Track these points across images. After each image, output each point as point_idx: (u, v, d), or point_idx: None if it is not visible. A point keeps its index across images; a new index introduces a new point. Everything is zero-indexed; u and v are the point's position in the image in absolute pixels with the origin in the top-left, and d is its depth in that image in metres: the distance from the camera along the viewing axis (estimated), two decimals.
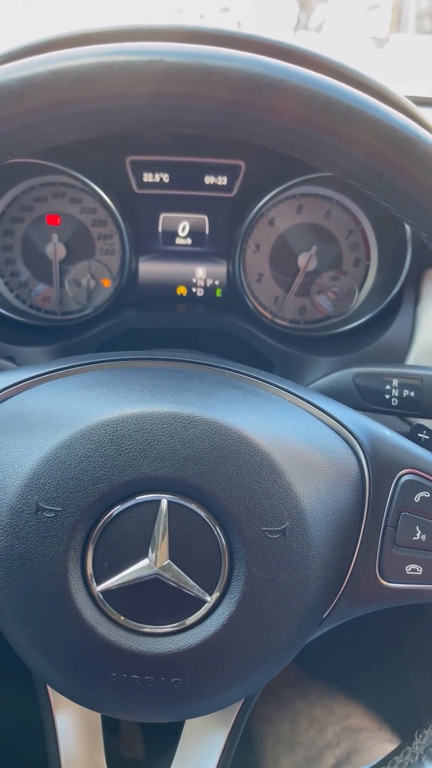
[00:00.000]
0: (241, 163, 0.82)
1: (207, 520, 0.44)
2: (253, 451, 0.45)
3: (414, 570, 0.48)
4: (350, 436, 0.49)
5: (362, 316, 0.83)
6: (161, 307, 0.86)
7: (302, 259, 0.85)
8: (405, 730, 0.84)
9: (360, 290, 0.86)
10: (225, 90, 0.39)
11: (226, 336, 0.84)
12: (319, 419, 0.49)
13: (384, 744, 0.76)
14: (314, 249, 0.84)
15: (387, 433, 0.50)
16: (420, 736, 0.52)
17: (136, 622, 0.44)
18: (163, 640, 0.45)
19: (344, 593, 0.48)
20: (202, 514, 0.44)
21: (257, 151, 0.81)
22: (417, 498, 0.48)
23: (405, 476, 0.48)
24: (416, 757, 0.51)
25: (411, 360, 0.78)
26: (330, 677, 0.95)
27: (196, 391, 0.47)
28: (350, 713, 0.86)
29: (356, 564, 0.48)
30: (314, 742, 0.83)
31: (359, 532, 0.48)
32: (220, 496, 0.44)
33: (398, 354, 0.78)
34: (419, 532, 0.48)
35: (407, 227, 0.76)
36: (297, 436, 0.47)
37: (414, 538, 0.48)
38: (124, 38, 0.62)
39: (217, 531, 0.44)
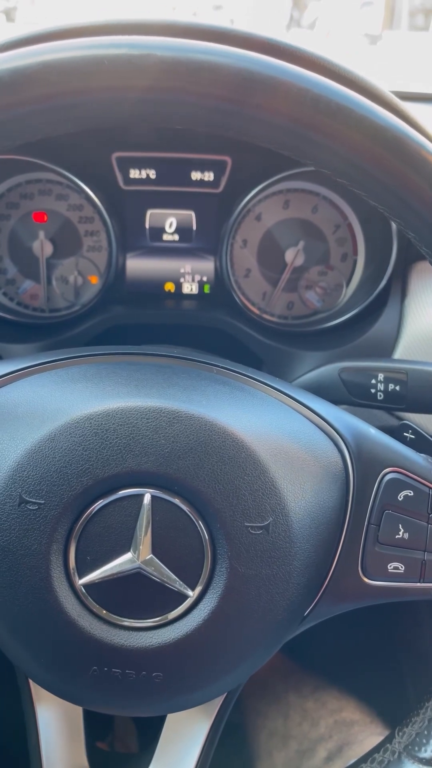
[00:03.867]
0: (228, 159, 0.82)
1: (190, 515, 0.44)
2: (238, 446, 0.45)
3: (396, 568, 0.48)
4: (335, 433, 0.49)
5: (350, 310, 0.83)
6: (149, 303, 0.86)
7: (289, 255, 0.85)
8: (396, 723, 0.84)
9: (347, 285, 0.86)
10: (213, 86, 0.39)
11: (214, 332, 0.84)
12: (304, 416, 0.49)
13: (375, 737, 0.77)
14: (301, 244, 0.84)
15: (372, 431, 0.50)
16: (400, 733, 0.52)
17: (118, 615, 0.44)
18: (144, 634, 0.45)
19: (326, 590, 0.48)
20: (186, 508, 0.44)
21: (244, 146, 0.81)
22: (400, 496, 0.48)
23: (389, 474, 0.48)
24: (396, 755, 0.51)
25: (398, 354, 0.78)
26: (323, 671, 0.95)
27: (182, 387, 0.47)
28: (342, 707, 0.86)
29: (339, 561, 0.48)
30: (307, 736, 0.84)
31: (342, 529, 0.48)
32: (204, 491, 0.44)
33: (385, 348, 0.78)
34: (402, 530, 0.48)
35: (392, 223, 0.76)
36: (282, 432, 0.47)
37: (396, 537, 0.48)
38: (117, 32, 0.62)
39: (200, 526, 0.44)
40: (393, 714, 0.85)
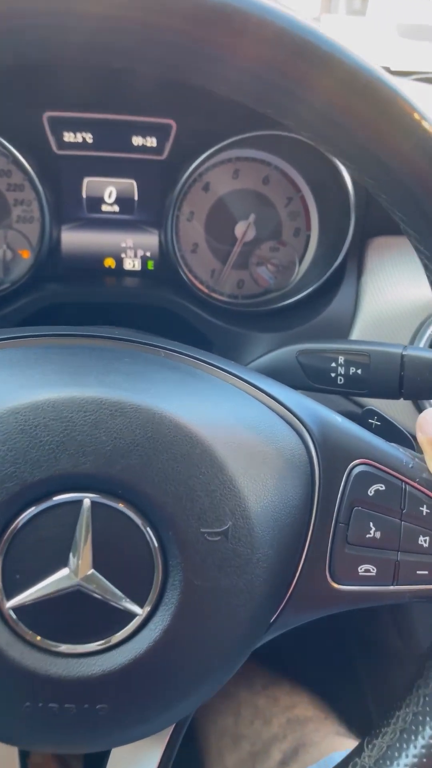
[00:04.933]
0: (172, 123, 0.75)
1: (137, 523, 0.38)
2: (191, 441, 0.39)
3: (367, 571, 0.44)
4: (299, 423, 0.43)
5: (303, 289, 0.78)
6: (87, 280, 0.79)
7: (240, 229, 0.79)
8: (352, 719, 0.81)
9: (300, 262, 0.81)
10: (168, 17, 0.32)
11: (160, 312, 0.77)
12: (264, 404, 0.44)
13: (332, 737, 0.73)
14: (252, 217, 0.79)
15: (338, 419, 0.45)
16: (369, 746, 0.48)
17: (55, 641, 0.38)
18: (86, 661, 0.39)
19: (291, 598, 0.43)
20: (132, 515, 0.38)
21: (189, 109, 0.74)
22: (371, 491, 0.44)
23: (358, 467, 0.44)
24: None
25: (355, 335, 0.73)
26: (273, 665, 0.91)
27: (125, 373, 0.41)
28: (295, 703, 0.83)
29: (304, 566, 0.43)
30: (259, 735, 0.80)
31: (308, 530, 0.43)
32: (153, 494, 0.38)
33: (342, 329, 0.74)
34: (373, 528, 0.43)
35: (351, 194, 0.72)
36: (240, 423, 0.41)
37: (367, 536, 0.43)
38: None
39: (149, 534, 0.39)
40: (348, 710, 0.82)
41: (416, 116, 0.35)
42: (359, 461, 0.44)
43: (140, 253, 0.80)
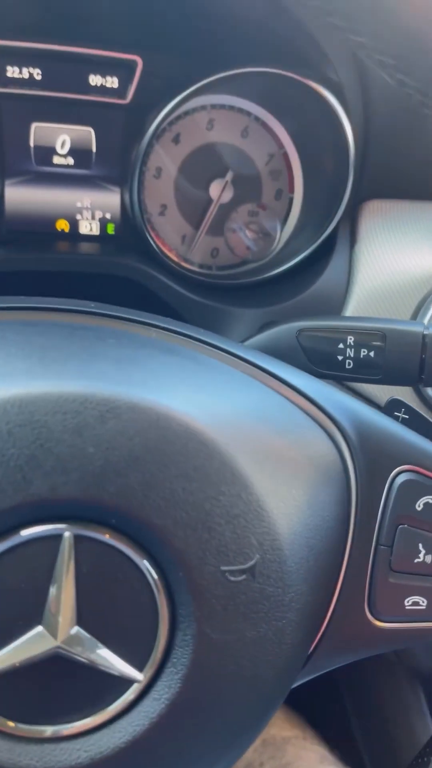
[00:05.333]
0: (137, 59, 0.64)
1: (136, 562, 0.29)
2: (206, 451, 0.29)
3: (416, 603, 0.35)
4: (330, 423, 0.34)
5: (288, 260, 0.69)
6: (36, 245, 0.67)
7: (215, 189, 0.69)
8: (334, 739, 0.74)
9: (282, 229, 0.71)
10: None
11: (122, 282, 0.67)
12: (290, 400, 0.34)
13: (316, 765, 0.66)
14: (229, 176, 0.69)
15: (376, 417, 0.36)
16: None
17: (28, 723, 0.28)
18: (68, 746, 0.29)
19: (323, 640, 0.35)
20: (129, 552, 0.29)
21: (158, 44, 0.63)
22: (419, 505, 0.35)
23: (402, 475, 0.35)
24: None
25: (349, 311, 0.65)
26: None
27: (113, 359, 0.31)
28: (271, 722, 0.75)
29: (339, 601, 0.34)
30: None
31: (343, 557, 0.34)
32: (158, 524, 0.28)
33: (334, 305, 0.65)
34: (423, 551, 0.35)
35: (351, 149, 0.62)
36: (264, 425, 0.32)
37: (416, 560, 0.35)
38: None
39: (153, 576, 0.29)
40: (329, 728, 0.75)
41: None
42: (404, 468, 0.35)
43: (99, 214, 0.68)
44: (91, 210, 0.68)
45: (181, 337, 0.36)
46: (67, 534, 0.28)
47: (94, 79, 0.65)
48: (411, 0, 0.27)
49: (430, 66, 0.28)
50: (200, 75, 0.62)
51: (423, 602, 0.35)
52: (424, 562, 0.35)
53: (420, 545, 0.35)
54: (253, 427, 0.32)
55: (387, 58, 0.29)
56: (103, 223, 0.69)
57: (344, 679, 0.82)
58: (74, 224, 0.69)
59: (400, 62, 0.29)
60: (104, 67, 0.64)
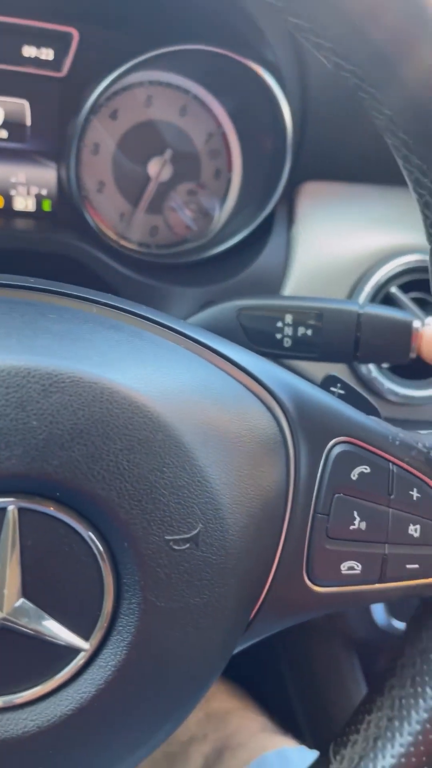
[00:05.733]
0: (73, 32, 0.63)
1: (82, 534, 0.29)
2: (152, 424, 0.30)
3: (351, 568, 0.37)
4: (269, 396, 0.35)
5: (227, 239, 0.69)
6: None
7: (153, 167, 0.68)
8: (274, 709, 0.76)
9: (221, 208, 0.72)
10: None
11: (58, 260, 0.66)
12: (231, 375, 0.35)
13: (258, 735, 0.67)
14: (168, 154, 0.68)
15: (313, 391, 0.37)
16: (338, 757, 0.42)
17: None
18: (14, 716, 0.29)
19: (263, 606, 0.35)
20: (75, 524, 0.29)
21: (95, 17, 0.62)
22: (354, 474, 0.36)
23: (338, 447, 0.36)
24: None
25: (288, 291, 0.66)
26: None
27: (56, 334, 0.31)
28: (212, 695, 0.76)
29: (279, 567, 0.35)
30: (175, 735, 0.72)
31: (282, 525, 0.35)
32: (103, 495, 0.29)
33: (272, 284, 0.66)
34: (357, 518, 0.36)
35: (289, 130, 0.63)
36: (208, 399, 0.33)
37: (351, 527, 0.36)
38: None
39: (98, 548, 0.29)
40: (269, 699, 0.77)
41: None
42: (340, 439, 0.37)
43: (34, 190, 0.67)
44: (27, 185, 0.67)
45: (124, 313, 0.36)
46: (11, 507, 0.28)
47: (28, 51, 0.63)
48: None
49: (367, 50, 0.29)
50: (138, 50, 0.62)
51: (358, 567, 0.37)
52: (359, 528, 0.37)
53: (355, 513, 0.37)
54: (196, 402, 0.32)
55: (324, 41, 0.29)
56: (39, 199, 0.67)
57: (283, 652, 0.85)
58: (8, 200, 0.67)
59: (337, 46, 0.29)
60: (39, 38, 0.63)
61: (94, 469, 0.28)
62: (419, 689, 0.41)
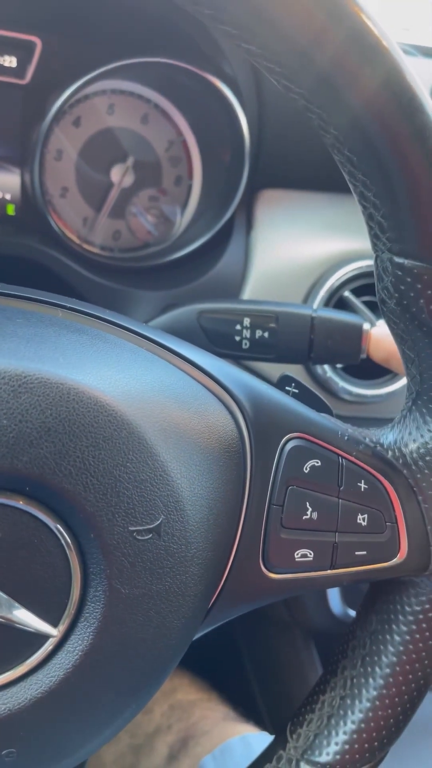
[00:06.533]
0: (36, 41, 0.64)
1: (50, 526, 0.31)
2: (116, 422, 0.31)
3: (304, 556, 0.39)
4: (227, 395, 0.37)
5: (188, 244, 0.71)
6: None
7: (116, 173, 0.70)
8: (236, 698, 0.78)
9: (182, 214, 0.74)
10: None
11: (22, 263, 0.67)
12: (190, 375, 0.37)
13: (222, 724, 0.70)
14: (130, 161, 0.70)
15: (268, 390, 0.40)
16: (294, 736, 0.44)
17: None
18: None
19: (222, 593, 0.38)
20: (43, 517, 0.31)
21: (58, 26, 0.64)
22: (306, 468, 0.39)
23: (291, 442, 0.39)
24: (293, 763, 0.43)
25: (246, 295, 0.68)
26: None
27: (23, 337, 0.32)
28: (176, 687, 0.78)
29: (237, 556, 0.37)
30: (140, 726, 0.74)
31: (240, 516, 0.37)
32: (70, 489, 0.30)
33: (232, 288, 0.68)
34: (309, 509, 0.39)
35: (246, 140, 0.65)
36: (168, 398, 0.35)
37: (304, 518, 0.39)
38: None
39: (66, 539, 0.31)
40: (231, 688, 0.79)
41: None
42: (293, 435, 0.39)
43: None
44: None
45: (88, 317, 0.38)
46: None
47: None
48: (295, 14, 0.30)
49: (313, 76, 0.31)
50: (101, 60, 0.63)
51: (310, 554, 0.39)
52: (311, 518, 0.39)
53: (307, 503, 0.39)
54: (158, 401, 0.34)
55: (274, 65, 0.32)
56: (2, 203, 0.68)
57: (244, 644, 0.87)
58: None
59: (285, 70, 0.32)
60: (1, 46, 0.64)
61: (62, 465, 0.30)
62: (369, 669, 0.43)
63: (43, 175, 0.67)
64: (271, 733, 0.68)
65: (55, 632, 0.31)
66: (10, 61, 0.65)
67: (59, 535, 0.31)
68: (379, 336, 0.54)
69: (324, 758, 0.43)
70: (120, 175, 0.70)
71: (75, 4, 0.62)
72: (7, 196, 0.68)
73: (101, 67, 0.63)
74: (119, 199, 0.71)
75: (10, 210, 0.69)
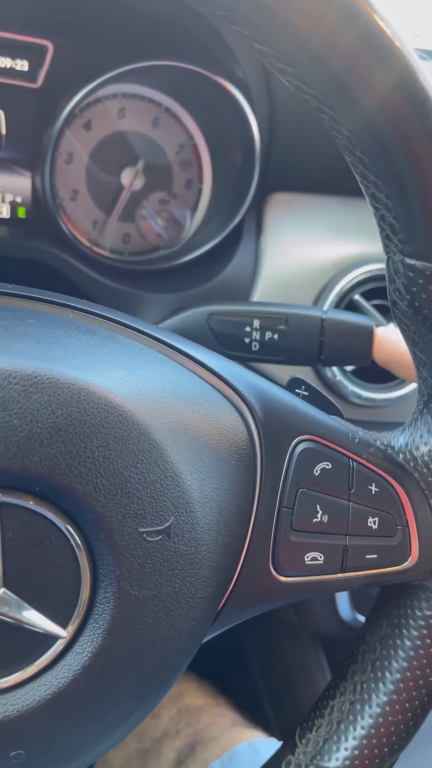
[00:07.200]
0: (48, 45, 0.64)
1: (60, 527, 0.31)
2: (126, 423, 0.31)
3: (314, 559, 0.39)
4: (237, 398, 0.37)
5: (198, 248, 0.71)
6: None
7: (126, 176, 0.70)
8: (244, 704, 0.78)
9: (192, 217, 0.74)
10: None
11: (33, 266, 0.67)
12: (200, 377, 0.37)
13: (229, 729, 0.69)
14: (141, 164, 0.70)
15: (278, 392, 0.39)
16: (303, 741, 0.44)
17: None
18: None
19: (232, 596, 0.38)
20: (53, 518, 0.31)
21: (70, 30, 0.64)
22: (316, 470, 0.39)
23: (301, 444, 0.38)
24: None
25: (256, 298, 0.68)
26: None
27: (34, 338, 0.32)
28: (183, 691, 0.78)
29: (246, 559, 0.37)
30: (147, 731, 0.74)
31: (250, 518, 0.37)
32: (80, 490, 0.30)
33: (241, 291, 0.68)
34: (320, 512, 0.39)
35: (257, 143, 0.66)
36: (178, 399, 0.35)
37: (314, 520, 0.39)
38: None
39: (76, 540, 0.31)
40: (239, 694, 0.79)
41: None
42: (303, 437, 0.39)
43: (9, 197, 0.68)
44: (1, 193, 0.68)
45: (98, 318, 0.38)
46: None
47: (3, 61, 0.65)
48: (307, 14, 0.30)
49: (326, 77, 0.31)
50: (112, 64, 0.64)
51: (320, 557, 0.39)
52: (321, 521, 0.39)
53: (317, 506, 0.39)
54: (168, 402, 0.34)
55: (287, 66, 0.32)
56: (14, 206, 0.69)
57: (253, 649, 0.87)
58: None
59: (298, 71, 0.32)
60: (13, 49, 0.64)
61: (72, 465, 0.30)
62: (379, 674, 0.43)
63: (53, 179, 0.67)
64: (279, 740, 0.68)
65: (64, 633, 0.31)
66: (22, 65, 0.65)
67: (69, 536, 0.31)
68: (381, 338, 0.54)
69: (333, 764, 0.42)
70: (130, 179, 0.70)
71: (86, 8, 0.62)
72: (18, 199, 0.69)
73: (112, 70, 0.64)
74: (129, 202, 0.71)
75: (21, 213, 0.69)
